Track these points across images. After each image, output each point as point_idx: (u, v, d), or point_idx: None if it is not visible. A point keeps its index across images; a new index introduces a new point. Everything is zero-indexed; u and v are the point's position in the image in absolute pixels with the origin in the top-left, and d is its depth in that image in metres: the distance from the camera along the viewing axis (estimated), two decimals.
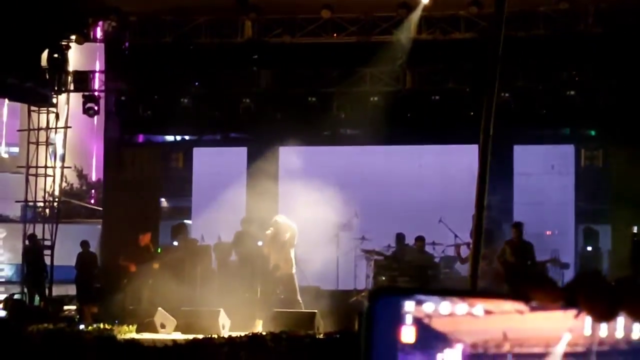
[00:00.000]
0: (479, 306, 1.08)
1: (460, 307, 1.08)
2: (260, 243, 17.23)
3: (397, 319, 1.09)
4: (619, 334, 1.06)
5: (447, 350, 1.08)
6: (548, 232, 21.01)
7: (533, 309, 1.08)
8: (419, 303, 1.09)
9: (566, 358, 1.07)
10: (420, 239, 19.25)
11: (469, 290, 1.12)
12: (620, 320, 1.07)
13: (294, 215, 17.65)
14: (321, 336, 15.01)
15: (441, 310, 1.08)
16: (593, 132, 22.12)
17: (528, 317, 1.07)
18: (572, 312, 1.07)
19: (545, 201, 21.20)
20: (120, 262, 19.11)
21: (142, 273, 18.83)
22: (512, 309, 1.08)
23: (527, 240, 18.08)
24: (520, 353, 1.08)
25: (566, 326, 1.07)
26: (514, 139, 20.75)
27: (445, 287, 1.36)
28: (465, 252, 18.39)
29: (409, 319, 1.09)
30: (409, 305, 1.09)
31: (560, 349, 1.07)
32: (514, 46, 18.40)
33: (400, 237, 19.82)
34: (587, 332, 1.06)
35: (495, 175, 16.86)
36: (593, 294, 1.05)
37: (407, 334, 1.09)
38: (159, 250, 19.78)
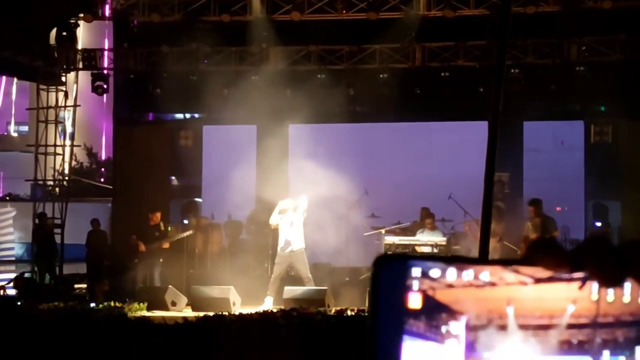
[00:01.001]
0: (485, 273, 1.08)
1: (467, 273, 1.08)
2: (271, 221, 17.24)
3: (404, 285, 1.09)
4: (626, 299, 1.06)
5: (451, 322, 1.08)
6: (558, 208, 20.98)
7: (537, 280, 1.08)
8: (426, 269, 1.09)
9: (570, 329, 1.07)
10: (429, 216, 19.25)
11: (475, 258, 1.12)
12: (627, 286, 1.06)
13: (303, 193, 17.65)
14: (332, 313, 15.05)
15: (448, 277, 1.08)
16: (603, 108, 22.03)
17: (532, 289, 1.07)
18: (576, 284, 1.07)
19: (555, 177, 21.19)
20: (132, 241, 19.16)
21: (153, 252, 18.91)
22: (516, 280, 1.08)
23: (547, 215, 18.04)
24: (524, 324, 1.07)
25: (570, 298, 1.06)
26: (523, 115, 20.68)
27: (451, 255, 1.36)
28: (475, 228, 18.38)
29: (415, 285, 1.09)
30: (415, 272, 1.09)
31: (564, 320, 1.07)
32: (523, 22, 18.36)
33: (425, 211, 19.79)
34: (594, 297, 1.06)
35: (505, 152, 16.85)
36: (600, 258, 1.05)
37: (414, 300, 1.09)
38: (169, 229, 19.82)
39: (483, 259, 1.10)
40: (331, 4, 20.21)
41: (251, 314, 14.81)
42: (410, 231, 19.81)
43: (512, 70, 19.71)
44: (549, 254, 1.07)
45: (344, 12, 20.40)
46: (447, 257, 1.10)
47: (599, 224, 21.85)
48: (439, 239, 18.64)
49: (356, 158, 20.34)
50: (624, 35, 19.68)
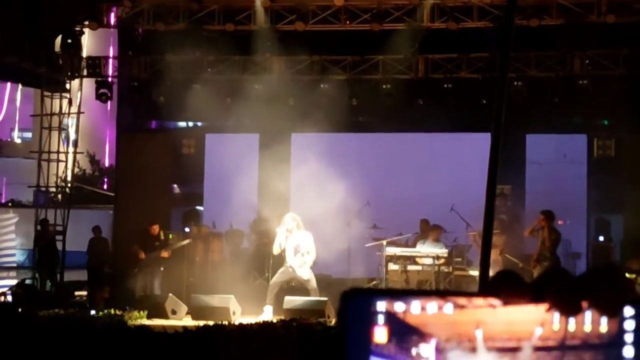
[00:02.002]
0: (449, 305, 1.08)
1: (431, 305, 1.08)
2: (274, 252, 17.26)
3: (369, 320, 1.09)
4: (587, 327, 1.06)
5: (421, 345, 1.08)
6: (560, 222, 20.92)
7: (506, 303, 1.08)
8: (390, 303, 1.09)
9: (538, 351, 1.07)
10: (437, 228, 19.13)
11: (439, 290, 1.12)
12: (588, 315, 1.06)
13: (305, 203, 17.66)
14: (332, 324, 15.03)
15: (412, 310, 1.08)
16: (606, 122, 22.03)
17: (500, 312, 1.07)
18: (543, 306, 1.07)
19: (558, 190, 21.12)
20: (133, 250, 19.21)
21: (153, 260, 18.94)
22: (485, 303, 1.08)
23: (553, 228, 17.96)
24: (492, 347, 1.07)
25: (538, 320, 1.07)
26: (526, 127, 20.68)
27: (415, 288, 1.37)
28: (480, 240, 18.31)
29: (380, 319, 1.09)
30: (380, 306, 1.09)
31: (532, 342, 1.07)
32: (526, 35, 18.37)
33: (425, 223, 19.83)
34: (556, 326, 1.06)
35: (507, 164, 16.85)
36: (559, 290, 1.05)
37: (380, 334, 1.09)
38: (171, 237, 19.84)
39: (447, 291, 1.10)
40: (335, 15, 20.24)
41: (251, 323, 14.81)
42: (412, 243, 19.84)
43: (515, 83, 19.73)
44: (510, 286, 1.07)
45: (348, 22, 20.42)
46: (412, 291, 1.11)
47: (601, 238, 21.80)
48: (440, 250, 18.62)
49: (359, 168, 20.32)
50: (627, 49, 19.70)
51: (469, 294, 1.09)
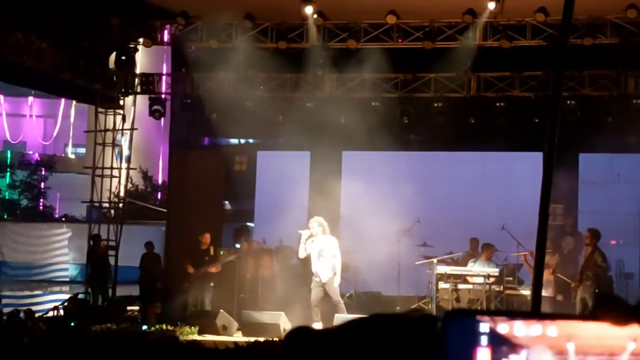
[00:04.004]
0: (552, 327, 1.08)
1: (535, 328, 1.09)
2: (300, 255, 17.26)
3: (473, 341, 1.10)
4: None
5: (512, 356, 1.09)
6: (613, 242, 20.71)
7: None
8: (494, 324, 1.10)
9: None
10: (490, 247, 18.96)
11: (542, 313, 1.13)
12: None
13: (355, 220, 17.66)
14: None
15: (515, 332, 1.09)
16: None
17: (592, 325, 1.08)
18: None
19: (611, 210, 20.91)
20: (183, 265, 19.33)
21: (203, 276, 19.02)
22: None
23: (598, 248, 17.74)
24: None
25: (631, 335, 1.07)
26: (579, 146, 20.53)
27: (517, 310, 1.37)
28: (531, 260, 18.20)
29: (484, 340, 1.10)
30: (484, 327, 1.10)
31: (624, 358, 1.07)
32: (580, 53, 18.25)
33: (474, 242, 19.78)
34: None
35: (560, 183, 16.69)
36: None
37: (483, 355, 1.10)
38: (222, 253, 19.91)
39: (549, 315, 1.11)
40: (387, 33, 20.23)
41: None
42: (462, 261, 19.74)
43: (569, 102, 19.58)
44: (615, 310, 1.08)
45: (400, 41, 20.40)
46: (515, 312, 1.11)
47: None
48: (491, 270, 18.49)
49: (409, 186, 20.28)
50: None
51: (575, 317, 1.09)
